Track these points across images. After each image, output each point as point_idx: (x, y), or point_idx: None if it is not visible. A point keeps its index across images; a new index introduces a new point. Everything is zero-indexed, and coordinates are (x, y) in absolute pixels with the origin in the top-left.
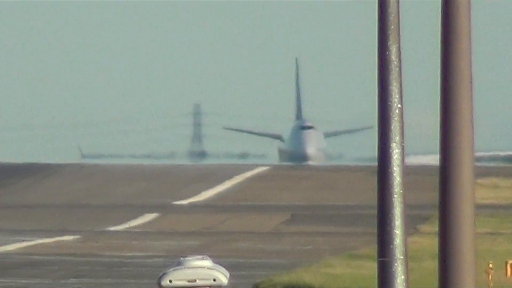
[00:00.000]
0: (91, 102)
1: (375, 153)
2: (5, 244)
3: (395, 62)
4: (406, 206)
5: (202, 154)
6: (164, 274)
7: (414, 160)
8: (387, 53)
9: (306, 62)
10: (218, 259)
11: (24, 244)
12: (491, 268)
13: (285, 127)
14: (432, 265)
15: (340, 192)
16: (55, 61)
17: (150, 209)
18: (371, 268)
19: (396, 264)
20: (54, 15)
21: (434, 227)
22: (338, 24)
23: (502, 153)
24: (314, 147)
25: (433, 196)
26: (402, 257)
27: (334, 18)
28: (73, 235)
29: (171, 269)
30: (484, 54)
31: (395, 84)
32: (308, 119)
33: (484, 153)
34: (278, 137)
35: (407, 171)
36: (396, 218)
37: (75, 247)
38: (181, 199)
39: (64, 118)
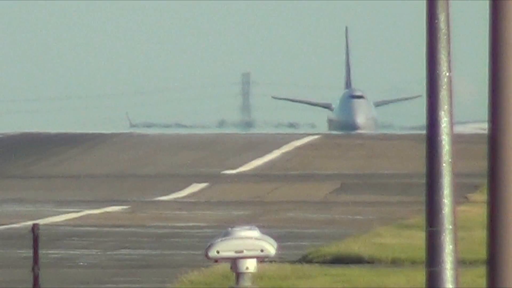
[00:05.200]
0: (140, 71)
1: (424, 121)
2: (53, 215)
3: (443, 30)
4: (456, 175)
5: (251, 124)
6: (211, 244)
7: (463, 128)
8: (436, 21)
9: (356, 30)
10: (266, 229)
11: (72, 215)
12: None
13: (334, 96)
14: (482, 235)
15: (389, 160)
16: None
17: (199, 179)
18: (421, 237)
19: (445, 234)
20: None
21: (484, 195)
22: None
23: None
24: (364, 116)
25: (483, 165)
26: (451, 227)
27: None
28: (121, 205)
29: (219, 240)
30: None
31: (443, 52)
32: (357, 88)
33: None
34: (327, 107)
35: (457, 140)
36: (445, 187)
37: (123, 217)
38: (230, 168)
39: (113, 87)
